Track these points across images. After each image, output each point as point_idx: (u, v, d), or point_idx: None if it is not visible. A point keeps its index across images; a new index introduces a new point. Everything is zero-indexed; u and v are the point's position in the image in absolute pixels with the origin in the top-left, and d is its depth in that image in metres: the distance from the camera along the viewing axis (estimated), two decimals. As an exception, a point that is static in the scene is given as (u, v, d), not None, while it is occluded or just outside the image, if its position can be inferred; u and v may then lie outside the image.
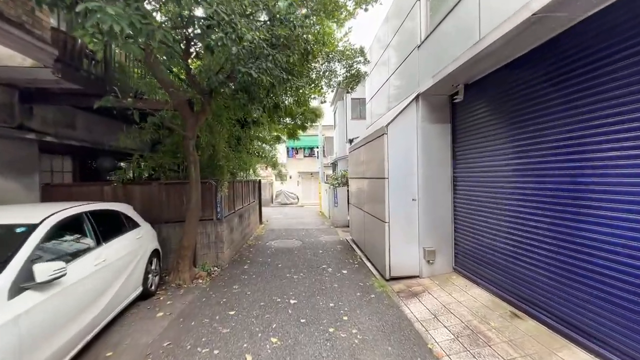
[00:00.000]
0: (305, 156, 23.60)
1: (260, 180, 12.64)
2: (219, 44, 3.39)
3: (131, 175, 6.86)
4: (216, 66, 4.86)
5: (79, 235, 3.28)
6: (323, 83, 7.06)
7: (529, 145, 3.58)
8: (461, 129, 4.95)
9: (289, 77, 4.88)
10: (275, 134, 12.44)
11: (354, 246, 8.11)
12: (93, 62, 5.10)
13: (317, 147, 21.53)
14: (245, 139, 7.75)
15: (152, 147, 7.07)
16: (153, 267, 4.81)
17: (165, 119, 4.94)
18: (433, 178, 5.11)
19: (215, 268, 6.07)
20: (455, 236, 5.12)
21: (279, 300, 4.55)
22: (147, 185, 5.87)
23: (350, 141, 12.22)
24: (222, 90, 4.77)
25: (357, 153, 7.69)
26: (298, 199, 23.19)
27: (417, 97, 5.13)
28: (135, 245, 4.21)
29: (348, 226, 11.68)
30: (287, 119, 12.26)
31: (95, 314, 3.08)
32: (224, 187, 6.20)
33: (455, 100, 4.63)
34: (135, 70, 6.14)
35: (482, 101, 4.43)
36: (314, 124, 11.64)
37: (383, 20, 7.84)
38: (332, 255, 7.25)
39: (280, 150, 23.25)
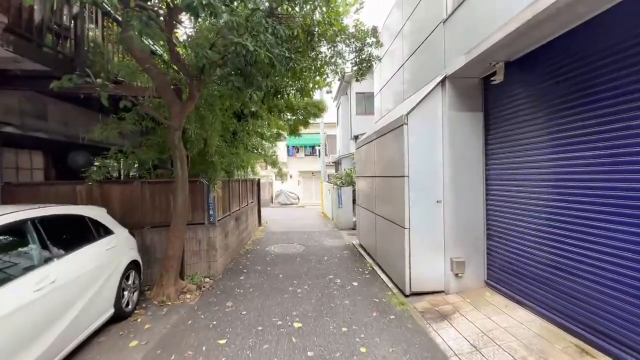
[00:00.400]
0: (306, 155, 22.83)
1: (259, 180, 11.87)
2: (204, 2, 2.63)
3: (113, 173, 6.09)
4: (205, 41, 4.08)
5: (19, 250, 2.51)
6: (329, 70, 6.28)
7: (595, 138, 2.81)
8: (496, 117, 4.18)
9: (292, 55, 4.10)
10: (276, 130, 11.68)
11: (362, 252, 7.34)
12: (61, 39, 4.33)
13: (319, 145, 20.76)
14: (242, 133, 6.97)
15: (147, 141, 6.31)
16: (130, 282, 4.04)
17: (143, 105, 4.16)
18: (461, 176, 4.34)
19: (207, 279, 5.29)
20: (489, 245, 4.35)
21: (280, 323, 3.78)
22: (128, 184, 5.09)
23: (356, 137, 11.45)
24: (212, 71, 4.00)
25: (367, 149, 6.92)
26: (299, 199, 22.42)
27: (442, 81, 4.36)
28: (104, 258, 3.43)
29: (354, 229, 10.92)
30: (288, 113, 11.52)
31: (36, 355, 2.30)
32: (216, 186, 5.43)
33: (493, 82, 3.86)
34: (120, 56, 5.36)
35: (526, 83, 3.66)
36: (317, 119, 10.86)
37: None
38: (339, 263, 6.48)
39: (281, 149, 22.49)
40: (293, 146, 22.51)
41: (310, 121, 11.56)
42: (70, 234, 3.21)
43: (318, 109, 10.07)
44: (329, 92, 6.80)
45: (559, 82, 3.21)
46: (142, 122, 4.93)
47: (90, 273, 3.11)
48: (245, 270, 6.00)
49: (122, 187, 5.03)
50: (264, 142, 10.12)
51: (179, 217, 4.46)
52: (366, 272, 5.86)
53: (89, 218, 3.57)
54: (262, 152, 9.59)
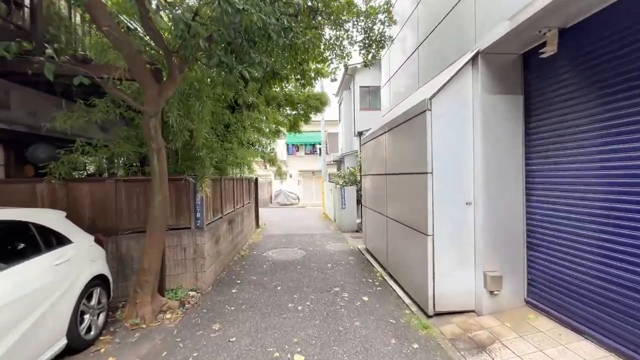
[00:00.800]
0: (306, 153, 22.09)
1: (256, 179, 11.14)
2: None
3: (90, 169, 5.35)
4: (187, 10, 3.33)
5: None
6: (334, 55, 5.55)
7: None
8: (541, 101, 3.44)
9: (292, 25, 3.35)
10: (274, 125, 10.94)
11: (370, 258, 6.61)
12: (12, 7, 3.59)
13: (320, 144, 20.03)
14: (236, 126, 6.22)
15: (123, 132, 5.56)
16: (94, 302, 3.30)
17: (106, 84, 3.42)
18: (496, 172, 3.60)
19: (193, 293, 4.55)
20: (530, 255, 3.61)
21: (278, 354, 3.04)
22: (100, 183, 4.35)
23: (360, 134, 10.71)
24: (194, 43, 3.25)
25: (375, 144, 6.19)
26: (299, 199, 21.68)
27: (474, 58, 3.62)
28: (52, 276, 2.69)
29: (357, 231, 10.20)
30: (288, 108, 10.80)
31: None
32: (205, 185, 4.69)
33: (543, 55, 3.12)
34: (94, 35, 4.61)
35: (583, 57, 2.92)
36: (318, 114, 10.13)
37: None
38: (345, 272, 5.74)
39: (280, 147, 21.75)
40: (293, 144, 21.76)
41: (312, 116, 10.84)
42: (5, 248, 2.47)
43: (320, 103, 9.34)
44: (333, 80, 6.06)
45: (630, 56, 2.48)
46: (116, 110, 4.19)
47: (27, 298, 2.37)
48: (238, 281, 5.26)
49: (93, 186, 4.28)
50: (261, 138, 9.38)
51: (156, 223, 3.71)
52: (376, 283, 5.13)
53: (36, 225, 2.83)
54: (260, 149, 8.85)
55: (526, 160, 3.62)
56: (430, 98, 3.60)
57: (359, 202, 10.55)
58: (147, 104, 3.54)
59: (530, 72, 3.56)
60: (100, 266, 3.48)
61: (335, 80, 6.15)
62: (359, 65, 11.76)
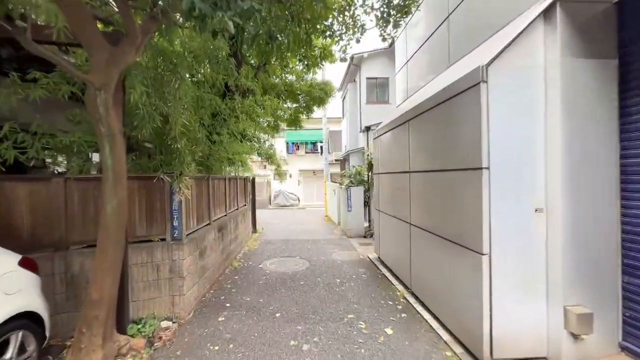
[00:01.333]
0: (307, 152, 21.09)
1: (253, 178, 10.13)
2: None
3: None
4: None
5: None
6: (344, 26, 4.56)
7: None
8: (646, 67, 2.45)
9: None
10: (272, 119, 9.95)
11: (385, 271, 5.61)
12: None
13: (321, 142, 19.04)
14: (227, 115, 5.22)
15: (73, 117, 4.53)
16: (10, 355, 2.29)
17: (25, 38, 2.41)
18: (581, 166, 2.60)
19: (167, 324, 3.54)
20: (627, 283, 2.61)
21: None
22: (42, 182, 3.33)
23: (367, 129, 9.73)
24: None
25: (392, 137, 5.21)
26: (299, 200, 20.69)
27: (548, 10, 2.63)
28: None
29: (365, 236, 9.20)
30: (288, 101, 9.82)
31: None
32: (184, 186, 3.68)
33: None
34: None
35: None
36: (322, 106, 9.14)
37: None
38: (358, 290, 4.74)
39: (279, 146, 20.75)
40: (293, 142, 20.77)
41: (315, 109, 9.84)
42: None
43: (324, 93, 8.36)
44: (343, 59, 5.06)
45: None
46: (65, 87, 3.18)
47: None
48: (228, 304, 4.25)
49: (34, 186, 3.27)
50: (259, 133, 8.38)
51: (108, 238, 2.70)
52: (399, 306, 4.13)
53: None
54: (256, 144, 7.86)
55: (622, 149, 2.62)
56: (488, 65, 2.60)
57: (366, 204, 9.57)
58: (93, 72, 2.53)
59: (627, 27, 2.57)
60: (26, 300, 2.47)
61: (345, 59, 5.16)
62: (365, 55, 10.77)
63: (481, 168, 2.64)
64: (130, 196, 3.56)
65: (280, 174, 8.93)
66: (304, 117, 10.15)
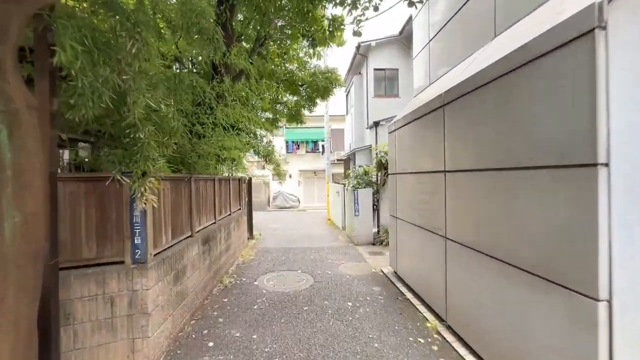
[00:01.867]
0: (307, 151, 20.11)
1: (250, 179, 9.16)
2: None
3: None
4: None
5: None
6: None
7: None
8: None
9: None
10: (271, 113, 8.99)
11: (404, 289, 4.65)
12: None
13: (323, 140, 18.09)
14: (215, 99, 4.22)
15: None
16: None
17: None
18: None
19: (124, 382, 2.57)
20: None
21: None
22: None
23: (376, 124, 8.76)
24: None
25: (417, 129, 4.25)
26: (299, 201, 19.71)
27: None
28: None
29: (374, 244, 8.24)
30: (288, 94, 8.85)
31: None
32: (147, 189, 2.69)
33: None
34: None
35: None
36: (326, 99, 8.16)
37: None
38: (376, 320, 3.77)
39: (278, 145, 19.76)
40: (293, 141, 19.80)
41: (318, 102, 8.86)
42: None
43: (330, 82, 7.38)
44: (357, 33, 4.08)
45: None
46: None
47: None
48: (211, 343, 3.27)
49: None
50: (254, 127, 7.41)
51: (8, 277, 1.71)
52: (434, 347, 3.16)
53: None
54: (252, 140, 6.88)
55: None
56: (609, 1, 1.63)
57: (375, 207, 8.61)
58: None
59: None
60: None
61: (359, 34, 4.17)
62: (373, 43, 9.81)
63: (596, 164, 1.67)
64: (74, 205, 2.59)
65: (279, 174, 7.96)
66: (306, 111, 9.17)
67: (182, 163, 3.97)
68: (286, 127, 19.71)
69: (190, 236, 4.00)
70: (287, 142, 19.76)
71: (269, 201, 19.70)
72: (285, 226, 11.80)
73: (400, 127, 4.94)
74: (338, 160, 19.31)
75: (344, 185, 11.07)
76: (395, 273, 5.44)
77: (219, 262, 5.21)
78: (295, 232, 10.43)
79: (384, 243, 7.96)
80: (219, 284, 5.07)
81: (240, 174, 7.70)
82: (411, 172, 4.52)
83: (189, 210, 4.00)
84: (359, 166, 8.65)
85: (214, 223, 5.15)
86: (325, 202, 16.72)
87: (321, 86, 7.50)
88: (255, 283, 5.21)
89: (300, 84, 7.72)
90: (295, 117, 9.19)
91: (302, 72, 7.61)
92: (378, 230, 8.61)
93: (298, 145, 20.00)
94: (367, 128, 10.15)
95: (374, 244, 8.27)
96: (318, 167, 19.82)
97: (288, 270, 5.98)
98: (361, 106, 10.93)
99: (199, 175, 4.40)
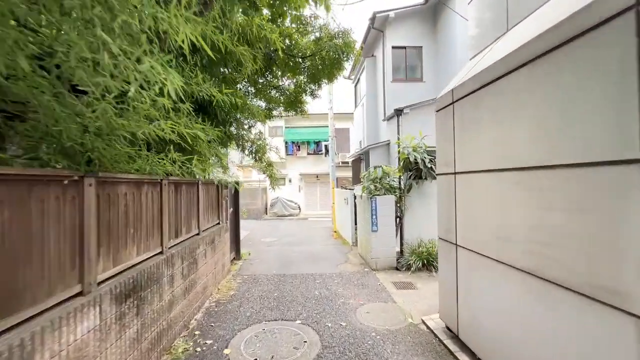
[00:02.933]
0: (309, 153, 18.14)
1: (236, 186, 7.20)
2: None
3: None
4: None
5: None
6: None
7: None
8: None
9: None
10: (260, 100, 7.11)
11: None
12: None
13: (326, 141, 16.18)
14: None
15: None
16: None
17: None
18: None
19: None
20: None
21: None
22: None
23: (398, 112, 6.79)
24: None
25: (505, 99, 2.28)
26: (300, 209, 17.72)
27: None
28: None
29: (398, 268, 6.24)
30: (285, 77, 6.95)
31: None
32: None
33: None
34: None
35: None
36: (336, 75, 6.18)
37: None
38: None
39: (273, 143, 17.75)
40: (293, 142, 17.85)
41: (325, 83, 6.93)
42: None
43: (340, 51, 5.41)
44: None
45: None
46: None
47: None
48: None
49: None
50: (241, 117, 5.45)
51: None
52: None
53: None
54: (235, 129, 4.90)
55: None
56: None
57: (397, 220, 6.61)
58: None
59: None
60: None
61: None
62: (392, 14, 7.89)
63: None
64: None
65: (272, 176, 5.95)
66: (309, 97, 7.23)
67: (67, 153, 2.00)
68: (286, 127, 17.81)
69: (78, 294, 2.01)
70: (286, 142, 17.82)
71: (266, 209, 17.71)
72: (282, 240, 9.78)
73: (468, 96, 2.96)
74: (343, 163, 17.36)
75: (354, 192, 9.09)
76: (450, 330, 3.42)
77: (167, 317, 3.21)
78: (294, 249, 8.42)
79: (412, 269, 5.94)
80: (164, 354, 3.07)
81: (222, 178, 5.74)
82: (498, 170, 2.52)
83: (75, 242, 2.02)
84: (377, 167, 6.67)
85: (159, 254, 3.16)
86: (329, 210, 14.70)
87: (328, 58, 5.55)
88: (226, 352, 3.20)
89: (300, 55, 5.77)
90: (294, 104, 7.24)
91: (303, 40, 5.68)
92: (401, 250, 6.61)
93: (299, 147, 18.04)
94: (383, 120, 8.20)
95: (397, 269, 6.26)
96: (321, 170, 17.86)
97: (281, 319, 3.98)
98: (375, 94, 8.99)
99: (115, 176, 2.41)
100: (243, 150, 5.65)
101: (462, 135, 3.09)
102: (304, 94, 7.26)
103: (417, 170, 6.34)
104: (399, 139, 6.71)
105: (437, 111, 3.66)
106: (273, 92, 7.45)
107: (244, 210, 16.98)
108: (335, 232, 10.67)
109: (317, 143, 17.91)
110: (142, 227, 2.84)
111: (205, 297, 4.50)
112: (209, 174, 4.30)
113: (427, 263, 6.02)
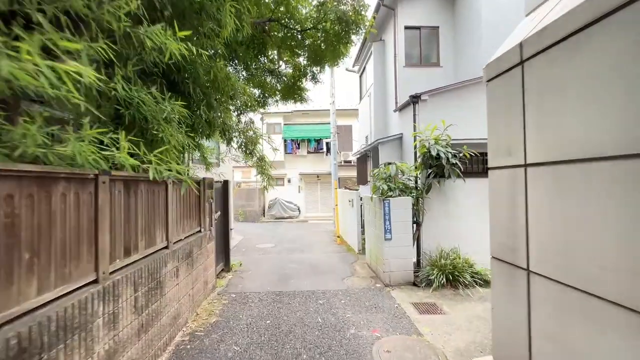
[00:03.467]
0: (309, 152, 17.12)
1: (226, 183, 6.22)
2: None
3: None
4: None
5: None
6: None
7: None
8: None
9: None
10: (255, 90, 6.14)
11: None
12: None
13: (328, 138, 15.21)
14: None
15: None
16: None
17: None
18: None
19: None
20: None
21: None
22: None
23: (415, 99, 5.79)
24: None
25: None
26: (299, 210, 16.72)
27: None
28: None
29: (415, 283, 5.24)
30: (283, 60, 6.01)
31: None
32: None
33: None
34: None
35: None
36: (342, 55, 5.16)
37: None
38: None
39: (271, 143, 16.73)
40: (292, 140, 16.84)
41: (328, 65, 5.94)
42: None
43: (350, 24, 4.39)
44: None
45: None
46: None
47: None
48: None
49: None
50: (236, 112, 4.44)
51: None
52: None
53: None
54: (222, 112, 3.87)
55: None
56: None
57: (415, 225, 5.60)
58: None
59: None
60: None
61: None
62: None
63: None
64: None
65: (264, 172, 4.91)
66: (309, 83, 6.23)
67: None
68: (284, 124, 16.80)
69: None
70: (285, 140, 16.82)
71: (264, 210, 16.70)
72: (280, 247, 8.77)
73: (556, 45, 1.94)
74: (345, 162, 16.37)
75: (359, 193, 8.09)
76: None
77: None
78: (292, 257, 7.41)
79: (433, 285, 4.93)
80: None
81: (208, 176, 4.76)
82: (626, 157, 1.50)
83: None
84: (388, 163, 5.65)
85: (91, 284, 2.15)
86: (331, 212, 13.67)
87: (333, 31, 4.54)
88: None
89: (298, 29, 4.77)
90: (292, 91, 6.25)
91: (301, 12, 4.68)
92: (418, 261, 5.60)
93: (298, 145, 17.03)
94: (394, 111, 7.19)
95: (415, 284, 5.25)
96: (322, 170, 16.87)
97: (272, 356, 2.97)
98: (384, 83, 8.00)
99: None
100: (229, 143, 4.62)
101: (541, 108, 2.07)
102: (303, 79, 6.26)
103: (438, 167, 5.34)
104: (415, 129, 5.70)
105: (488, 81, 2.63)
106: (268, 78, 6.46)
107: (240, 212, 15.96)
108: (338, 237, 9.66)
109: (318, 141, 16.91)
110: (51, 249, 1.83)
111: (176, 328, 3.49)
112: (186, 171, 3.29)
113: (452, 279, 5.01)
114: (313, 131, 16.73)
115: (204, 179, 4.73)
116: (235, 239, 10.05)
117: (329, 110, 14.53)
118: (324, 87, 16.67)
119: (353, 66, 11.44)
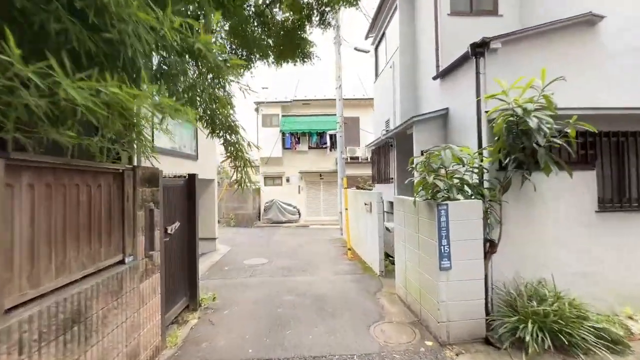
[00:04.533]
0: (310, 147, 15.02)
1: (193, 177, 4.17)
2: None
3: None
4: None
5: None
6: None
7: None
8: None
9: None
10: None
11: None
12: None
13: (332, 130, 13.16)
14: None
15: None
16: None
17: None
18: None
19: None
20: None
21: None
22: None
23: (481, 50, 3.70)
24: None
25: None
26: (299, 214, 14.63)
27: None
28: None
29: (488, 341, 3.06)
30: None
31: None
32: None
33: None
34: None
35: None
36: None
37: None
38: None
39: (270, 141, 14.46)
40: (291, 133, 14.74)
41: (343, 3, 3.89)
42: None
43: None
44: None
45: None
46: None
47: None
48: None
49: None
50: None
51: None
52: None
53: None
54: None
55: None
56: None
57: (490, 245, 3.54)
58: None
59: None
60: None
61: None
62: None
63: None
64: None
65: (239, 157, 2.88)
66: (315, 27, 4.20)
67: None
68: (282, 116, 14.73)
69: None
70: (283, 134, 14.74)
71: (259, 214, 14.62)
72: (274, 264, 6.68)
73: None
74: (352, 158, 14.30)
75: (380, 194, 6.03)
76: None
77: None
78: (291, 282, 5.33)
79: (530, 349, 2.87)
80: None
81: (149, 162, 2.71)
82: None
83: None
84: (443, 147, 3.57)
85: None
86: (336, 215, 11.56)
87: None
88: None
89: None
90: (290, 46, 4.21)
91: None
92: (486, 300, 3.51)
93: (298, 139, 14.93)
94: (435, 78, 5.13)
95: (489, 342, 3.17)
96: (325, 167, 14.79)
97: None
98: (414, 45, 5.94)
99: None
100: (200, 119, 2.61)
101: None
102: (307, 25, 4.23)
103: (525, 154, 3.30)
104: (479, 95, 3.63)
105: None
106: (257, 28, 4.41)
107: (230, 217, 13.86)
108: (349, 249, 7.58)
109: (321, 135, 14.83)
110: None
111: None
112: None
113: (557, 336, 2.96)
114: (315, 123, 14.66)
115: (134, 167, 2.66)
116: (218, 252, 7.96)
117: (333, 99, 12.45)
118: (326, 75, 14.57)
119: (366, 38, 9.37)
